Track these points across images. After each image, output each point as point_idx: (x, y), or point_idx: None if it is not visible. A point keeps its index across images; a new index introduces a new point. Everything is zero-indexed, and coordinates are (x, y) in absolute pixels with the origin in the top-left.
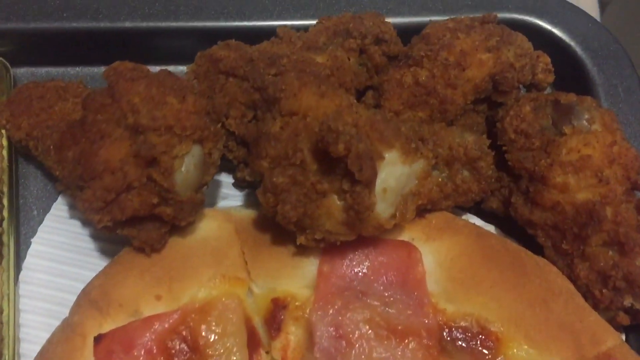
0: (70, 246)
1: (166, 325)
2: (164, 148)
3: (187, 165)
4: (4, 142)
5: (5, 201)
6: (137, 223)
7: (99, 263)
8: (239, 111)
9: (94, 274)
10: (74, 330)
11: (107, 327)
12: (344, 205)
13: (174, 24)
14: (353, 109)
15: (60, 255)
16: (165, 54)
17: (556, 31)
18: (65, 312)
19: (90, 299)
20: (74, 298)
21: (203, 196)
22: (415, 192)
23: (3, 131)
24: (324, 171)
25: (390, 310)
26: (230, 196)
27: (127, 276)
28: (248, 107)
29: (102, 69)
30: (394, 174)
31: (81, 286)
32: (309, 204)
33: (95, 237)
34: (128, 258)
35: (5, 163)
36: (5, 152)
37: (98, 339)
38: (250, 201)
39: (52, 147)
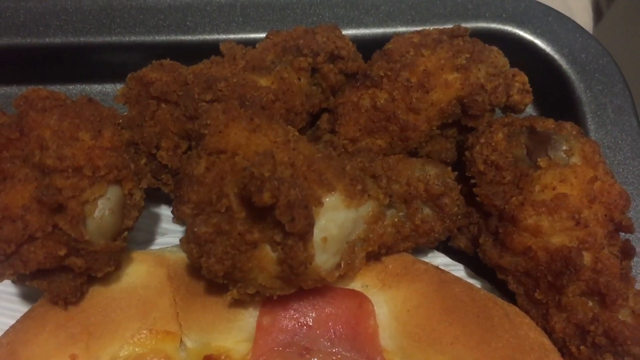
0: None
1: None
2: (71, 192)
3: (101, 211)
4: None
5: None
6: (46, 275)
7: (20, 309)
8: (171, 142)
9: (13, 322)
10: None
11: None
12: (279, 257)
13: (108, 39)
14: (290, 145)
15: None
16: (102, 72)
17: (539, 42)
18: None
19: None
20: None
21: (124, 243)
22: (364, 237)
23: None
24: (254, 218)
25: None
26: (170, 232)
27: (39, 333)
28: (182, 137)
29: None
30: (336, 220)
31: None
32: (238, 255)
33: None
34: (41, 312)
35: None
36: None
37: None
38: None
39: None
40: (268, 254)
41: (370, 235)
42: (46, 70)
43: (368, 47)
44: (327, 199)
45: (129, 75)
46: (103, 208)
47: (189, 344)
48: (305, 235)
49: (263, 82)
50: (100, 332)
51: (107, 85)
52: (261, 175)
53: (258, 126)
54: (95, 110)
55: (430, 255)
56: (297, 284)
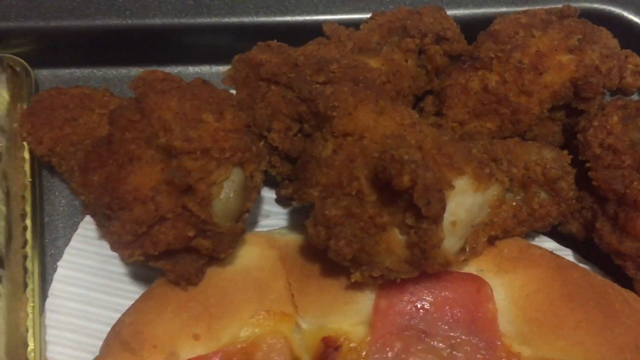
0: (100, 270)
1: None
2: (200, 174)
3: (226, 192)
4: (26, 156)
5: (28, 222)
6: (171, 256)
7: (132, 289)
8: (282, 124)
9: (125, 302)
10: None
11: None
12: (407, 241)
13: (207, 20)
14: (416, 128)
15: (89, 281)
16: (199, 53)
17: None
18: (95, 344)
19: (121, 339)
20: (104, 328)
21: (245, 225)
22: (487, 221)
23: (25, 143)
24: (384, 201)
25: (457, 353)
26: (273, 214)
27: (162, 313)
28: (293, 120)
29: (131, 69)
30: (464, 204)
31: (112, 315)
32: (367, 239)
33: None
34: (162, 292)
35: (27, 179)
36: (27, 167)
37: None
38: (295, 220)
39: (76, 167)
40: (397, 237)
41: (495, 220)
42: (142, 52)
43: (468, 28)
44: (457, 183)
45: (236, 56)
46: (228, 190)
47: (304, 325)
48: (438, 219)
49: (373, 63)
50: (221, 313)
51: (202, 67)
52: (400, 157)
53: (384, 108)
54: (212, 92)
55: (537, 239)
56: (423, 268)
